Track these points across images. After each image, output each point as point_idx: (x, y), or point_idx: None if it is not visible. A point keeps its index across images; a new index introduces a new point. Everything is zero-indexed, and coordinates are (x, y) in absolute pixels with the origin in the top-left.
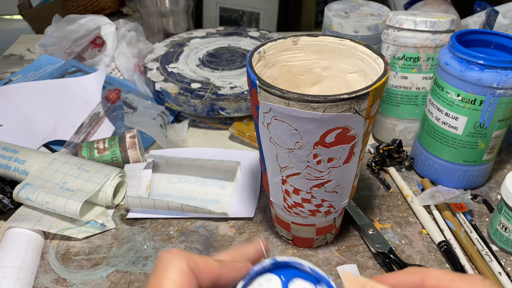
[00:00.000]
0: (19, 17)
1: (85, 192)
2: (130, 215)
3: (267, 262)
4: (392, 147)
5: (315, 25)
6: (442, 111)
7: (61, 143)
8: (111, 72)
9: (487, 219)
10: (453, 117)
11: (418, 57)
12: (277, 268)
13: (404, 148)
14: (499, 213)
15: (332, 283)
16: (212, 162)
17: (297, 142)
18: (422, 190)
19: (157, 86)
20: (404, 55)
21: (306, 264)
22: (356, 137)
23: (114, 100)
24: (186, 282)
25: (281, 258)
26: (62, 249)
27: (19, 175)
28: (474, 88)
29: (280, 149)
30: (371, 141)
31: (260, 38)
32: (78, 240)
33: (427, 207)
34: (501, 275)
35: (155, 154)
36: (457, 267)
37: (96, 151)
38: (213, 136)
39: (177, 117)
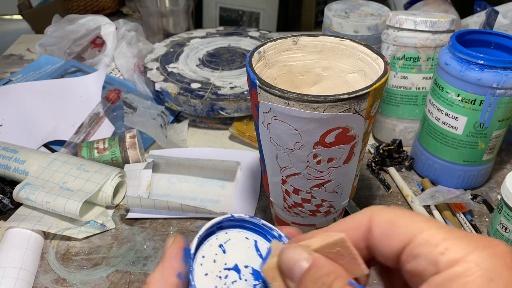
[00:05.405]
0: (19, 17)
1: (85, 192)
2: (130, 215)
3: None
4: (392, 147)
5: (315, 25)
6: (442, 111)
7: (61, 143)
8: (111, 72)
9: (487, 219)
10: (453, 117)
11: (418, 57)
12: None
13: (404, 148)
14: (499, 213)
15: (283, 237)
16: (212, 162)
17: (297, 142)
18: (422, 190)
19: (157, 86)
20: (404, 55)
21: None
22: (356, 137)
23: (114, 100)
24: None
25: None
26: (62, 249)
27: (19, 175)
28: (474, 88)
29: (280, 149)
30: (371, 141)
31: (260, 38)
32: (78, 240)
33: (427, 207)
34: None
35: (155, 154)
36: None
37: (96, 151)
38: (213, 136)
39: (177, 117)
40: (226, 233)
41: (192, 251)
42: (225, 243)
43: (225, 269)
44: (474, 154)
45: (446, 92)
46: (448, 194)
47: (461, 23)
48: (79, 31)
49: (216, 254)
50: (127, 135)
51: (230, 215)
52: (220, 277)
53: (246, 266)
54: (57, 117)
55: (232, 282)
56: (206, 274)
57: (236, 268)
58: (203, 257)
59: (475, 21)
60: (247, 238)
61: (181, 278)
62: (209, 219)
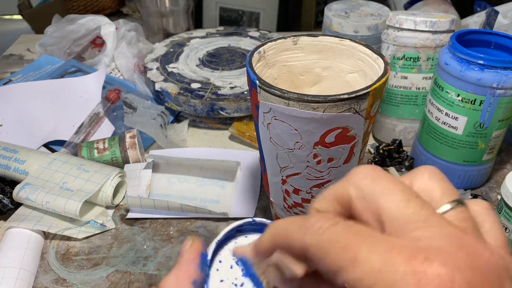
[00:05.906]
0: (19, 17)
1: (85, 192)
2: (130, 215)
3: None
4: (392, 147)
5: (315, 25)
6: (442, 111)
7: (61, 143)
8: (111, 72)
9: None
10: (453, 117)
11: (418, 57)
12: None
13: (404, 148)
14: (499, 213)
15: None
16: (212, 162)
17: (297, 142)
18: None
19: (157, 86)
20: (404, 55)
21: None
22: (356, 137)
23: (114, 100)
24: None
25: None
26: (62, 249)
27: (19, 175)
28: (474, 88)
29: (280, 149)
30: (371, 141)
31: (260, 38)
32: (78, 240)
33: None
34: None
35: (155, 154)
36: None
37: (96, 151)
38: (213, 136)
39: (177, 117)
40: (246, 237)
41: (209, 257)
42: None
43: (242, 275)
44: (474, 154)
45: (446, 92)
46: None
47: (461, 23)
48: (79, 31)
49: (234, 260)
50: (127, 135)
51: (251, 219)
52: (235, 285)
53: None
54: (57, 117)
55: None
56: (222, 281)
57: (253, 276)
58: (220, 262)
59: (475, 21)
60: None
61: (196, 285)
62: (209, 219)
